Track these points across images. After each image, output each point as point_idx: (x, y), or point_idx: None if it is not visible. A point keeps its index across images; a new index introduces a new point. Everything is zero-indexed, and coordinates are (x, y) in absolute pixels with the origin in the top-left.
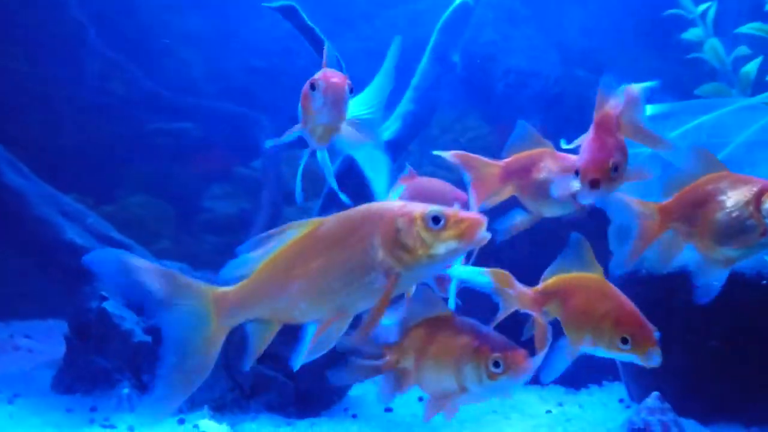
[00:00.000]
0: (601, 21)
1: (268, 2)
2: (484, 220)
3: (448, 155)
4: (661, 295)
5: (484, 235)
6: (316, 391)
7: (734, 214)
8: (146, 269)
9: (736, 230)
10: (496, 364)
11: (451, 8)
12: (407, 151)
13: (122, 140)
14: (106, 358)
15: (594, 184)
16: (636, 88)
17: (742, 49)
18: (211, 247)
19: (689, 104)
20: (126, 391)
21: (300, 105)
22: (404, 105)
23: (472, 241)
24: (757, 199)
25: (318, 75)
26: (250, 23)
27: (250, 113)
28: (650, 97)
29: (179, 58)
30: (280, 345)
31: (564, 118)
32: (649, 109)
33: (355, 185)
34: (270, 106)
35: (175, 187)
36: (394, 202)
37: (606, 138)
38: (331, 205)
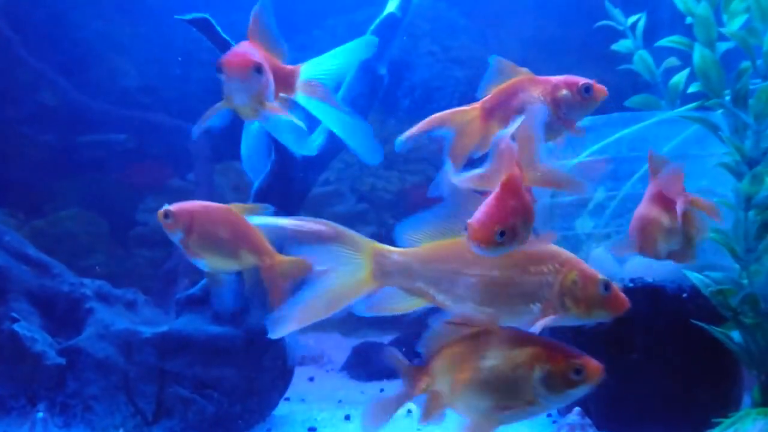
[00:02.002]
0: (540, 31)
1: (180, 15)
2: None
3: (410, 132)
4: None
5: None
6: (237, 411)
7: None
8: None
9: None
10: (578, 372)
11: (377, 20)
12: (344, 163)
13: (53, 152)
14: (18, 381)
15: (477, 248)
16: (530, 127)
17: (672, 61)
18: (145, 260)
19: (610, 118)
20: (41, 414)
21: None
22: None
23: (618, 314)
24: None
25: (224, 55)
26: (184, 33)
27: (184, 125)
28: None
29: (111, 69)
30: (194, 365)
31: None
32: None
33: (282, 194)
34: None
35: (108, 200)
36: (574, 256)
37: (506, 200)
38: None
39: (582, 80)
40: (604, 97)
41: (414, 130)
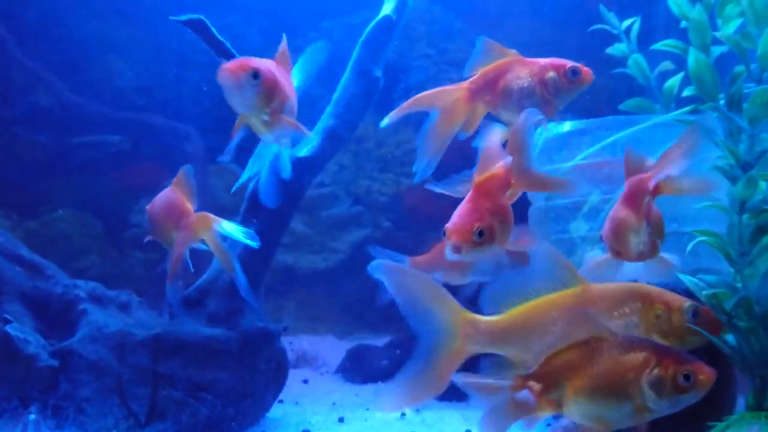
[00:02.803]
0: (536, 34)
1: (175, 16)
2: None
3: (395, 112)
4: None
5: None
6: (230, 414)
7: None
8: (416, 276)
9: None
10: (687, 377)
11: (373, 23)
12: (339, 166)
13: (47, 153)
14: (11, 383)
15: (456, 249)
16: (521, 132)
17: (666, 65)
18: (139, 262)
19: (605, 121)
20: (33, 416)
21: None
22: (325, 120)
23: (715, 335)
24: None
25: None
26: (180, 34)
27: (179, 126)
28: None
29: (106, 70)
30: (188, 367)
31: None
32: (567, 126)
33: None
34: (200, 119)
35: (102, 201)
36: (654, 288)
37: (480, 201)
38: (254, 208)
39: (569, 63)
40: (591, 81)
41: (399, 110)
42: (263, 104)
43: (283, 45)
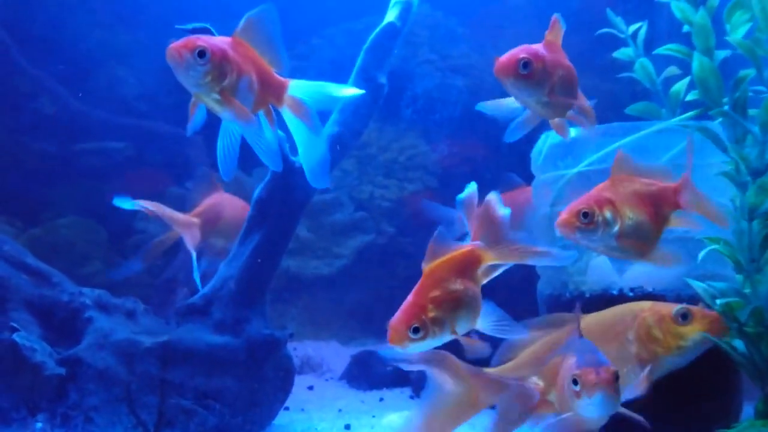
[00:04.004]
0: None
1: (181, 24)
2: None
3: None
4: None
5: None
6: (238, 422)
7: None
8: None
9: None
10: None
11: (377, 29)
12: (342, 171)
13: (51, 160)
14: (13, 392)
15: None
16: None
17: (672, 70)
18: (143, 269)
19: (610, 127)
20: (40, 425)
21: None
22: (329, 127)
23: (718, 333)
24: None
25: None
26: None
27: (182, 133)
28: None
29: (110, 77)
30: (196, 375)
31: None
32: (572, 132)
33: (282, 202)
34: (203, 126)
35: (106, 208)
36: (644, 302)
37: (425, 291)
38: (260, 214)
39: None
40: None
41: None
42: (212, 84)
43: (246, 21)
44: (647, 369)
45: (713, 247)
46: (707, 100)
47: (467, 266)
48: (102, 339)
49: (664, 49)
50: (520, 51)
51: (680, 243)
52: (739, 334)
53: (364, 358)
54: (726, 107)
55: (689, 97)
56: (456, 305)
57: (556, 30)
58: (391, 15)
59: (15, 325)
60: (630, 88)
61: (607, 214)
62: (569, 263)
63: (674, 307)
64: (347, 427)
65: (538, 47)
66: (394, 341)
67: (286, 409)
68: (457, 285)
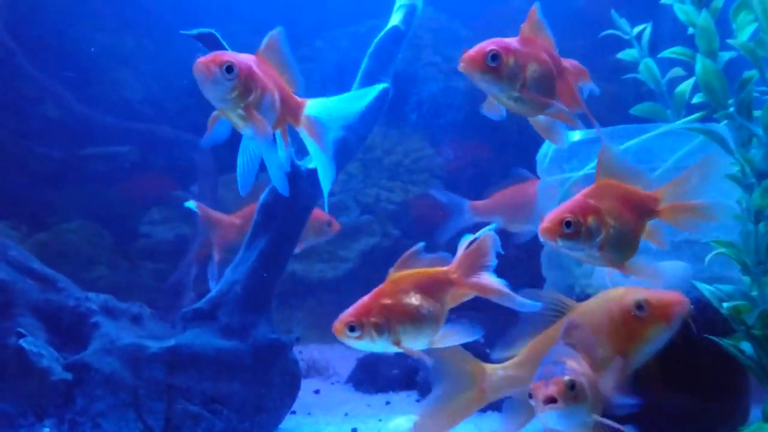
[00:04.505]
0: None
1: (186, 30)
2: (684, 301)
3: None
4: None
5: (684, 312)
6: (245, 427)
7: None
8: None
9: None
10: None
11: (382, 33)
12: (348, 174)
13: (56, 165)
14: (20, 398)
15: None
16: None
17: (677, 71)
18: (149, 273)
19: (615, 129)
20: (46, 430)
21: None
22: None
23: (676, 321)
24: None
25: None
26: (188, 45)
27: (188, 137)
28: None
29: (115, 81)
30: (203, 380)
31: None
32: (578, 135)
33: (287, 207)
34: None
35: (111, 212)
36: (623, 290)
37: (377, 298)
38: (266, 220)
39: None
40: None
41: None
42: (238, 99)
43: (268, 40)
44: (619, 362)
45: (720, 250)
46: (712, 103)
47: (434, 286)
48: (109, 344)
49: (669, 53)
50: (489, 43)
51: (687, 245)
52: (746, 336)
53: (370, 362)
54: (731, 109)
55: (695, 100)
56: (404, 319)
57: (533, 23)
58: (396, 19)
59: (21, 330)
60: (634, 90)
61: (591, 223)
62: (531, 310)
63: (631, 299)
64: (354, 430)
65: (510, 40)
66: (335, 332)
67: (293, 413)
68: (414, 300)
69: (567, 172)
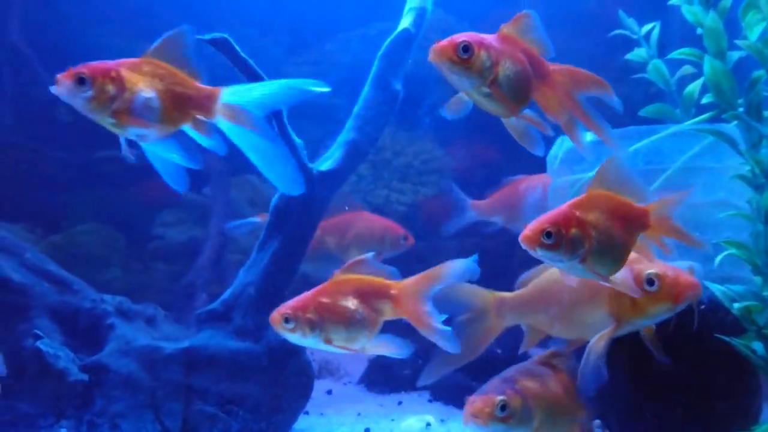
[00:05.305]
0: (551, 42)
1: (200, 35)
2: (697, 286)
3: None
4: None
5: (694, 296)
6: (254, 427)
7: None
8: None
9: None
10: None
11: (392, 36)
12: (358, 176)
13: (69, 168)
14: (39, 399)
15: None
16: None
17: (687, 69)
18: (162, 275)
19: (625, 131)
20: (63, 431)
21: None
22: (346, 134)
23: (683, 303)
24: None
25: None
26: (198, 49)
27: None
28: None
29: None
30: (218, 381)
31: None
32: (589, 137)
33: (300, 211)
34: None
35: (124, 214)
36: (638, 259)
37: (318, 295)
38: (279, 222)
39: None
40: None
41: None
42: (101, 108)
43: (162, 40)
44: (611, 327)
45: (731, 250)
46: (721, 103)
47: (373, 295)
48: (124, 345)
49: (677, 54)
50: (461, 35)
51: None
52: (758, 336)
53: (383, 363)
54: (741, 109)
55: (704, 100)
56: (338, 320)
57: (518, 24)
58: (406, 21)
59: (39, 332)
60: (643, 90)
61: (574, 235)
62: (450, 350)
63: (645, 271)
64: (367, 430)
65: (486, 36)
66: (272, 321)
67: (306, 413)
68: (351, 304)
69: (578, 173)
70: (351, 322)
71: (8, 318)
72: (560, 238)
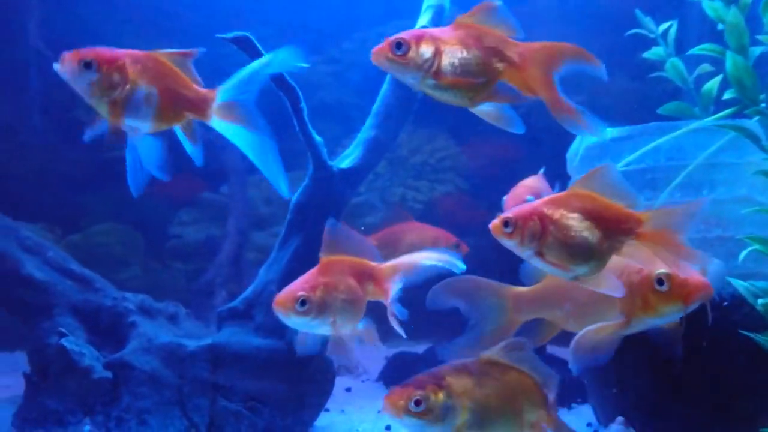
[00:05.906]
0: (563, 40)
1: (221, 34)
2: (708, 286)
3: None
4: None
5: (705, 296)
6: (279, 424)
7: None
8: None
9: None
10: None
11: None
12: (374, 174)
13: (88, 168)
14: (65, 396)
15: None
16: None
17: (705, 67)
18: (180, 273)
19: (647, 127)
20: (87, 428)
21: None
22: (366, 131)
23: (693, 304)
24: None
25: None
26: (214, 47)
27: (216, 138)
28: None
29: None
30: (242, 378)
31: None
32: (609, 132)
33: (320, 208)
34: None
35: (142, 213)
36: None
37: (315, 277)
38: (299, 219)
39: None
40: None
41: None
42: (101, 94)
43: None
44: (619, 322)
45: (754, 246)
46: (743, 99)
47: (364, 276)
48: (147, 343)
49: (698, 50)
50: (399, 34)
51: (719, 242)
52: None
53: (400, 360)
54: (763, 105)
55: (725, 96)
56: (343, 299)
57: (476, 12)
58: (424, 19)
59: (63, 330)
60: (660, 87)
61: (531, 228)
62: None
63: (656, 271)
64: (388, 428)
65: (429, 29)
66: (279, 309)
67: (327, 410)
68: (351, 282)
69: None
70: (354, 304)
71: (31, 316)
72: (516, 229)
